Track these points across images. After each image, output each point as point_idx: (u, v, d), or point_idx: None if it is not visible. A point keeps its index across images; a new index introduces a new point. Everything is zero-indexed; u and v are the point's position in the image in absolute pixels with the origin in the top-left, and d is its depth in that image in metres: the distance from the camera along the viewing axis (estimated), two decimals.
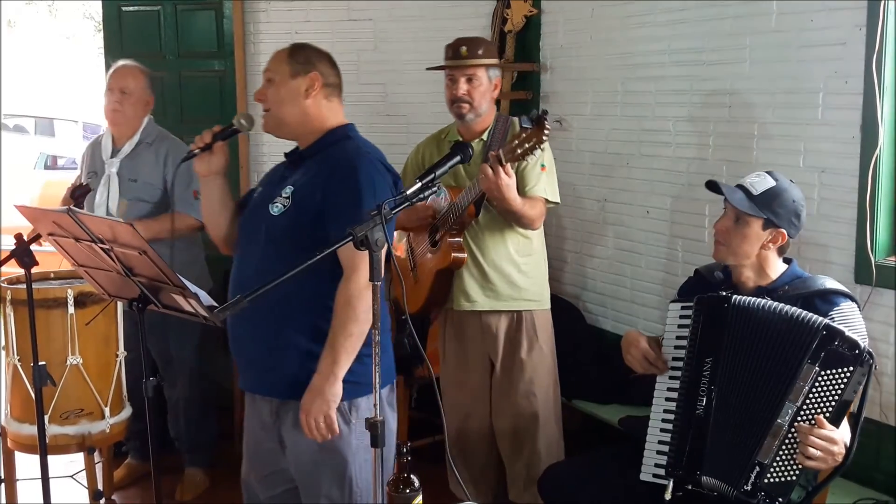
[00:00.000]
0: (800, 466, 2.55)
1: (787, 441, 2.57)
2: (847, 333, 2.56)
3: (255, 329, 2.81)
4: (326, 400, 2.65)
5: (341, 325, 2.67)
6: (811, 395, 2.55)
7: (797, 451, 2.55)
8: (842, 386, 2.53)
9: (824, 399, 2.54)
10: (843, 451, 2.53)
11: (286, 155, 2.99)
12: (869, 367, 2.53)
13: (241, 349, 2.91)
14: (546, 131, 3.21)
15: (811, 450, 2.50)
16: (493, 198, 3.50)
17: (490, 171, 3.35)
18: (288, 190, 2.82)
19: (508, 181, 3.37)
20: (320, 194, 2.76)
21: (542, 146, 3.25)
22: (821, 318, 2.61)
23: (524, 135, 3.25)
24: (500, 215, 3.66)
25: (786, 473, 2.57)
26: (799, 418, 2.55)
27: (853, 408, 2.61)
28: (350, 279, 2.67)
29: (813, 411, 2.54)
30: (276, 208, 2.80)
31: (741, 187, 2.84)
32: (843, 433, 2.54)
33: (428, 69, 3.94)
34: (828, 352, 2.54)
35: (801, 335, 2.59)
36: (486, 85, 3.74)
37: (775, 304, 2.69)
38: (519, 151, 3.26)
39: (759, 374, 2.63)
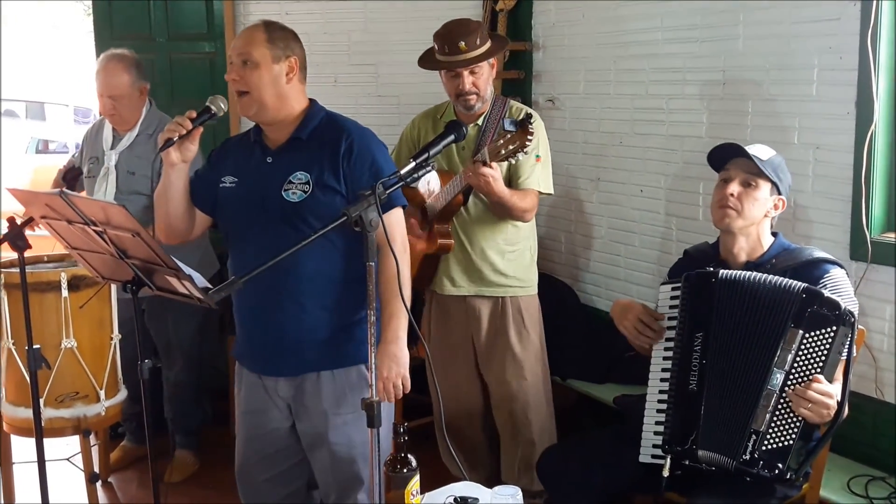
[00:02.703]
0: (796, 430, 2.58)
1: (779, 407, 2.60)
2: (826, 294, 2.62)
3: (276, 313, 2.84)
4: (401, 363, 2.84)
5: (396, 294, 2.74)
6: (798, 359, 2.60)
7: (791, 414, 2.59)
8: (827, 346, 2.58)
9: (813, 360, 2.59)
10: (835, 405, 2.56)
11: (254, 141, 2.97)
12: (851, 325, 2.59)
13: (260, 334, 2.93)
14: (529, 136, 3.19)
15: (805, 402, 2.54)
16: (481, 192, 3.51)
17: (475, 168, 3.34)
18: (303, 176, 2.82)
19: (494, 173, 3.36)
20: (340, 176, 2.82)
21: (525, 150, 3.23)
22: (800, 283, 2.66)
23: (507, 137, 3.23)
24: (491, 209, 3.66)
25: (782, 439, 2.60)
26: (790, 382, 2.59)
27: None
28: (389, 253, 2.68)
29: (803, 374, 2.59)
30: (294, 195, 2.81)
31: (749, 153, 2.88)
32: (835, 389, 2.58)
33: (441, 66, 3.71)
34: (810, 314, 2.60)
35: (782, 301, 2.65)
36: (487, 71, 3.71)
37: (760, 275, 2.73)
38: (503, 153, 3.25)
39: (747, 344, 2.68)
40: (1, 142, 9.55)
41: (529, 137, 3.19)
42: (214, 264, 4.39)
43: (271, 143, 2.93)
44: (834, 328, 2.58)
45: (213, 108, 2.81)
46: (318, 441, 2.94)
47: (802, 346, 2.60)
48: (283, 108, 2.87)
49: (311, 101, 2.97)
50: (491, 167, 3.34)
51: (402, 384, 2.86)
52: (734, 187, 2.87)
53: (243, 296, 2.89)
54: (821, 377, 2.56)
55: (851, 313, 2.60)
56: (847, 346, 2.61)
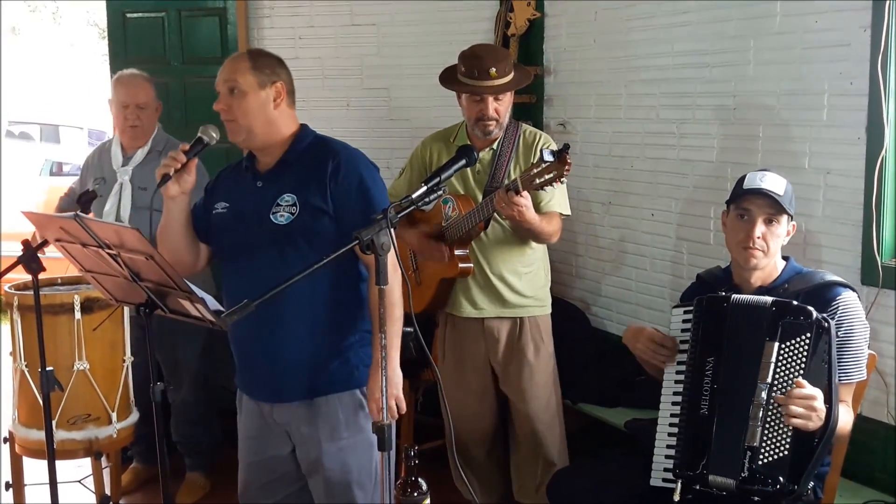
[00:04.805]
0: (788, 441, 2.58)
1: (768, 419, 2.61)
2: (795, 304, 2.65)
3: (267, 339, 2.85)
4: (394, 383, 2.82)
5: (386, 315, 2.70)
6: (778, 370, 2.62)
7: (781, 426, 2.59)
8: (805, 353, 2.60)
9: (792, 369, 2.60)
10: (824, 409, 2.55)
11: (245, 167, 2.99)
12: (826, 329, 2.60)
13: (254, 361, 2.95)
14: (567, 166, 3.20)
15: (793, 409, 2.53)
16: (513, 222, 3.51)
17: (507, 198, 3.34)
18: (290, 198, 2.84)
19: (527, 202, 3.37)
20: (328, 196, 2.82)
21: (563, 180, 3.24)
22: (769, 298, 2.71)
23: (544, 167, 3.23)
24: (516, 233, 3.67)
25: (776, 451, 2.60)
26: (774, 394, 2.61)
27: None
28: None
29: (785, 384, 2.60)
30: (282, 218, 2.82)
31: (767, 190, 2.82)
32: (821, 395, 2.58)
33: (468, 90, 3.70)
34: (783, 326, 2.63)
35: (756, 318, 2.69)
36: (509, 99, 3.74)
37: (769, 298, 2.73)
38: (538, 181, 3.25)
39: (743, 365, 2.69)
40: (0, 161, 9.60)
41: (567, 168, 3.19)
42: (211, 288, 4.40)
43: (261, 167, 2.96)
44: (808, 334, 2.60)
45: (205, 138, 2.86)
46: (313, 467, 2.95)
47: (780, 358, 2.62)
48: (271, 134, 2.89)
49: (303, 125, 2.99)
50: (523, 196, 3.34)
51: (397, 405, 2.84)
52: (760, 228, 2.83)
53: (235, 322, 2.89)
54: (803, 382, 2.55)
55: (825, 318, 2.62)
56: (827, 352, 2.62)
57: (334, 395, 2.88)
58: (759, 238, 2.83)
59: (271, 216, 2.83)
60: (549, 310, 3.92)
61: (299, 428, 2.92)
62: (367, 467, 2.92)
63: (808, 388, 2.55)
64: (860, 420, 3.01)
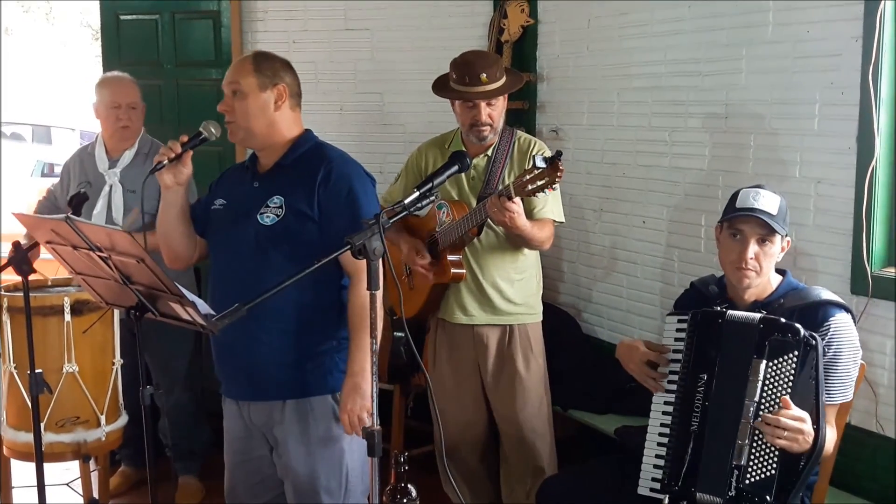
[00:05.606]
0: (775, 460, 2.58)
1: (756, 438, 2.61)
2: (783, 321, 2.64)
3: (244, 336, 2.84)
4: (366, 396, 2.77)
5: (364, 326, 2.73)
6: (766, 388, 2.61)
7: (768, 445, 2.59)
8: (792, 371, 2.59)
9: (780, 387, 2.60)
10: (812, 431, 2.55)
11: (247, 166, 3.03)
12: (814, 347, 2.60)
13: (229, 357, 2.96)
14: (559, 173, 3.20)
15: (780, 430, 2.53)
16: (505, 228, 3.52)
17: (499, 204, 3.34)
18: (277, 200, 2.87)
19: (518, 209, 3.37)
20: (314, 203, 2.84)
21: (555, 186, 3.24)
22: (756, 315, 2.69)
23: (536, 173, 3.23)
24: (508, 240, 3.67)
25: (763, 470, 2.60)
26: (761, 412, 2.60)
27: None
28: (361, 281, 2.70)
29: (772, 403, 2.59)
30: (267, 219, 2.85)
31: (760, 210, 2.79)
32: (808, 418, 2.57)
33: (459, 96, 3.69)
34: (770, 343, 2.62)
35: (744, 335, 2.67)
36: (502, 103, 3.73)
37: (756, 315, 2.72)
38: (530, 188, 3.25)
39: (732, 383, 2.68)
40: (1, 163, 9.60)
41: (559, 175, 3.20)
42: (194, 291, 4.40)
43: (261, 168, 2.99)
44: (796, 352, 2.59)
45: (204, 132, 2.89)
46: (285, 472, 2.96)
47: (768, 376, 2.61)
48: (272, 135, 2.92)
49: (306, 130, 3.01)
50: (515, 202, 3.34)
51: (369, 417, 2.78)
52: (752, 249, 2.80)
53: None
54: (789, 402, 2.54)
55: (813, 335, 2.61)
56: (815, 370, 2.61)
57: (305, 399, 2.90)
58: (751, 259, 2.81)
59: (259, 216, 2.86)
60: (539, 318, 3.91)
61: (272, 430, 2.94)
62: (336, 473, 2.92)
63: (795, 410, 2.54)
64: (849, 429, 3.02)
